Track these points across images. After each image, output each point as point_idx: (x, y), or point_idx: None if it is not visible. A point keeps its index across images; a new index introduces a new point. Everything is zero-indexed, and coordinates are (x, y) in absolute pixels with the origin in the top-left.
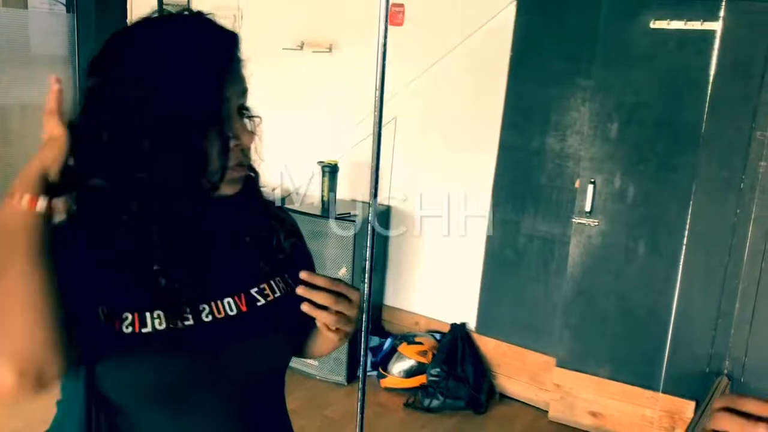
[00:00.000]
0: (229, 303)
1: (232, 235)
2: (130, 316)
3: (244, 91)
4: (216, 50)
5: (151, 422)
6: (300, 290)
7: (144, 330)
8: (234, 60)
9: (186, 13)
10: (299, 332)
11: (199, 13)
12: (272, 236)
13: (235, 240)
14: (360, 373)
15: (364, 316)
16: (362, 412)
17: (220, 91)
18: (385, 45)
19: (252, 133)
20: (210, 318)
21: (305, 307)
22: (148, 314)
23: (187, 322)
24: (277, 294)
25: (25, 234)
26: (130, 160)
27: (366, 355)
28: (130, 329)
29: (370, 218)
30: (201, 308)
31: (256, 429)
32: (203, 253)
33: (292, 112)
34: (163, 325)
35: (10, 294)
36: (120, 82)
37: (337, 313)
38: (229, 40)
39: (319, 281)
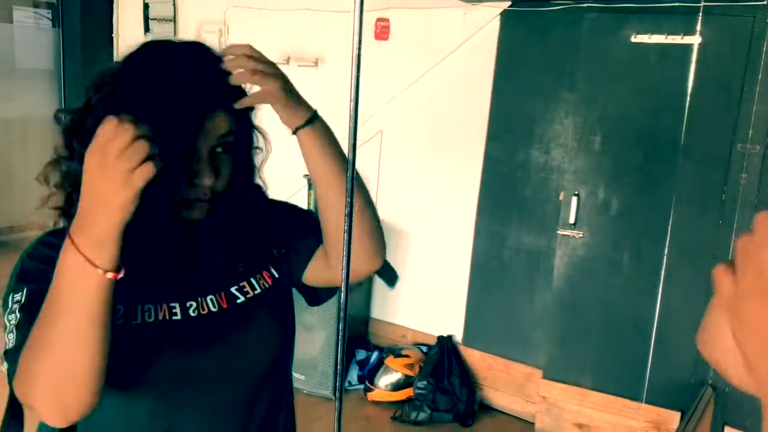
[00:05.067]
0: (212, 300)
1: (217, 236)
2: (121, 309)
3: (222, 134)
4: (192, 102)
5: (138, 415)
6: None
7: (134, 322)
8: (207, 109)
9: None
10: (289, 322)
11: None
12: (262, 236)
13: (219, 241)
14: (337, 383)
15: (340, 325)
16: (339, 421)
17: (187, 139)
18: (359, 57)
19: (212, 173)
20: (195, 314)
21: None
22: (138, 307)
23: (175, 317)
24: (257, 291)
25: (101, 300)
26: None
27: (343, 364)
28: (121, 321)
29: (345, 230)
30: (188, 304)
31: (243, 426)
32: (189, 252)
33: (278, 126)
34: (152, 318)
35: (73, 357)
36: (109, 107)
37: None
38: (206, 92)
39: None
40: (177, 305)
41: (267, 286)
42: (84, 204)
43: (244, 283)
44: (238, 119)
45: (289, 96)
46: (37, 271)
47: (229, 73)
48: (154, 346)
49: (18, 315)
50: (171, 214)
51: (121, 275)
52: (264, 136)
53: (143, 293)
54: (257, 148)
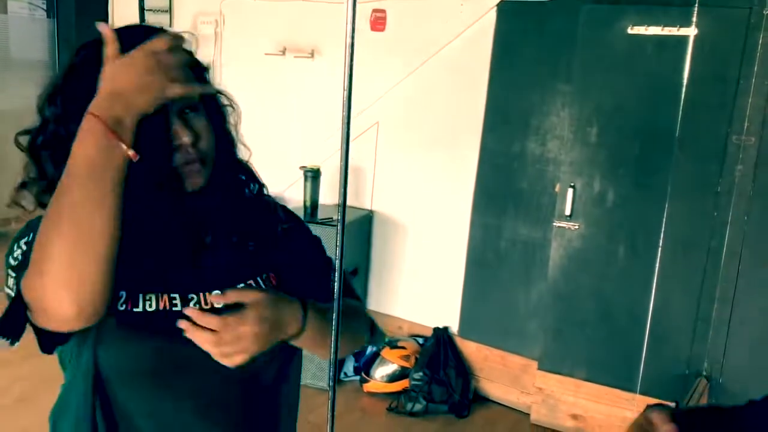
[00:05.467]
0: (217, 295)
1: (225, 232)
2: (124, 295)
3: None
4: None
5: (137, 403)
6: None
7: (135, 309)
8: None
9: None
10: None
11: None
12: (268, 234)
13: (228, 237)
14: (330, 372)
15: (334, 315)
16: (332, 411)
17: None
18: (352, 46)
19: (192, 132)
20: (197, 307)
21: (183, 324)
22: (141, 295)
23: (175, 308)
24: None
25: (117, 177)
26: None
27: (336, 355)
28: (123, 307)
29: (338, 219)
30: (190, 297)
31: (238, 422)
32: (197, 246)
33: (274, 118)
34: (153, 308)
35: (89, 229)
36: (75, 89)
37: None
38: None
39: (209, 321)
40: (178, 296)
41: (271, 286)
42: (112, 89)
43: (251, 282)
44: (199, 81)
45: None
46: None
47: (178, 46)
48: (151, 334)
49: (24, 247)
50: (168, 185)
51: (138, 158)
52: (227, 96)
53: (148, 281)
54: (227, 106)
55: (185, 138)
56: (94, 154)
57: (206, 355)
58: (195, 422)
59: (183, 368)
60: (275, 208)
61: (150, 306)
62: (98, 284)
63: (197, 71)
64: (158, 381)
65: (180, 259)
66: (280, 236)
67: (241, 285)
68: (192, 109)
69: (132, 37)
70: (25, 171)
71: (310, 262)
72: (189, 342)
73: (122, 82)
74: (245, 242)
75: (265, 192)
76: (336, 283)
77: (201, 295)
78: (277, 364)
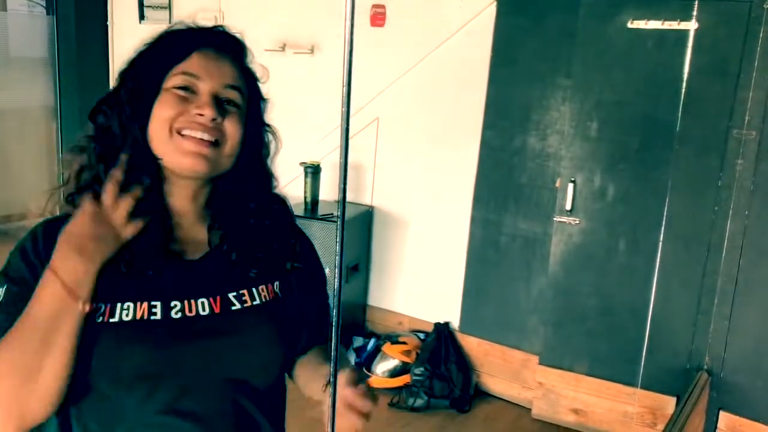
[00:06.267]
0: (203, 303)
1: (226, 237)
2: (102, 307)
3: (227, 84)
4: (173, 44)
5: (115, 410)
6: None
7: (112, 320)
8: (185, 49)
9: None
10: (281, 343)
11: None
12: (273, 246)
13: (229, 242)
14: (331, 368)
15: (334, 311)
16: (333, 407)
17: (162, 65)
18: (351, 39)
19: (213, 108)
20: (179, 315)
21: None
22: (119, 305)
23: (154, 317)
24: (256, 302)
25: (71, 327)
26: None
27: (336, 351)
28: (100, 319)
29: (338, 214)
30: (172, 305)
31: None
32: (181, 250)
33: (274, 114)
34: (130, 317)
35: (37, 374)
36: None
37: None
38: (190, 35)
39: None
40: (158, 304)
41: (268, 299)
42: (69, 247)
43: (245, 291)
44: (249, 87)
45: None
46: (18, 269)
47: (242, 53)
48: (125, 344)
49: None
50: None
51: (88, 311)
52: (274, 133)
53: (127, 290)
54: (267, 129)
55: (207, 110)
56: (50, 309)
57: (185, 363)
58: (176, 427)
59: (159, 376)
60: (295, 244)
61: (126, 315)
62: (42, 415)
63: (248, 78)
64: (132, 390)
65: (161, 266)
66: (289, 270)
67: (233, 294)
68: (231, 104)
69: (180, 39)
70: (87, 131)
71: (309, 299)
72: (163, 350)
73: (77, 241)
74: (248, 259)
75: (294, 224)
76: (336, 279)
77: (186, 302)
78: (273, 373)
